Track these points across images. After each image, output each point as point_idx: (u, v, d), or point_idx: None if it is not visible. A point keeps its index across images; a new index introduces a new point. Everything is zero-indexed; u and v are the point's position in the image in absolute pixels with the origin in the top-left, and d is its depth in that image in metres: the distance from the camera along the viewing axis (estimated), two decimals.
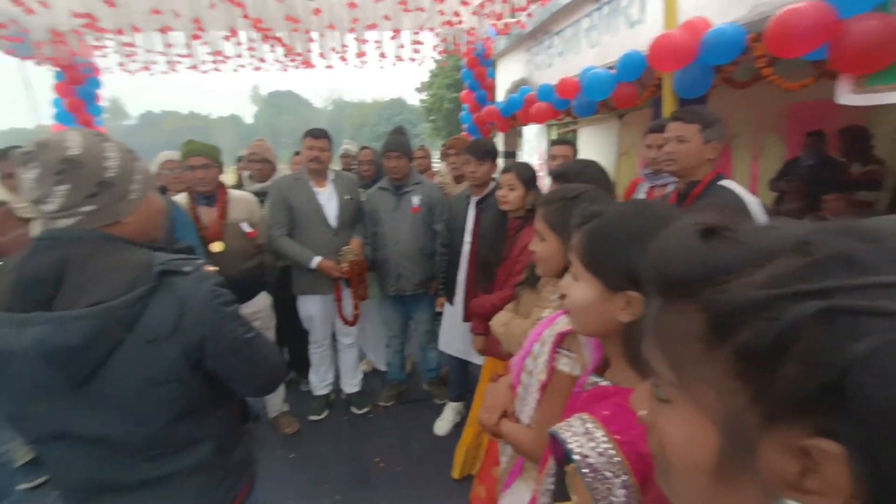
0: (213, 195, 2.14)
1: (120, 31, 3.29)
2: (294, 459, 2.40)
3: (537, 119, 4.16)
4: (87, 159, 0.79)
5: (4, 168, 1.92)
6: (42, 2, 2.59)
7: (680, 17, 2.48)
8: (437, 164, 4.28)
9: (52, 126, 4.53)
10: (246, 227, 2.20)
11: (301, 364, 2.82)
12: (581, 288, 0.71)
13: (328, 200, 2.44)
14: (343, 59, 4.60)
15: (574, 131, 6.71)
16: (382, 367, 3.11)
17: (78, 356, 0.73)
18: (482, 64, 5.25)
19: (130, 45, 3.97)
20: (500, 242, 1.94)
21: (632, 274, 0.64)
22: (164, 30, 3.46)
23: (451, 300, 2.47)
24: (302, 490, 2.18)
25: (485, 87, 5.40)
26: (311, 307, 2.54)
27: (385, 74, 48.20)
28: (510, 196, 1.86)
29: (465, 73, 5.34)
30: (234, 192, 2.27)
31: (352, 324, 2.63)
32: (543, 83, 4.04)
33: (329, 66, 4.67)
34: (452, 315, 2.46)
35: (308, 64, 4.72)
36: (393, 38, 4.34)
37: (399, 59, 4.77)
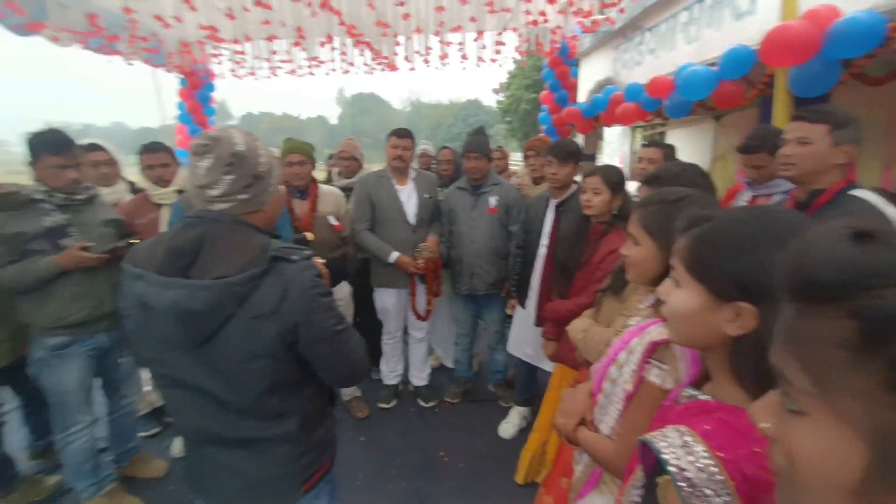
0: (306, 189, 2.32)
1: (235, 41, 3.69)
2: (364, 443, 2.53)
3: (623, 120, 3.96)
4: (248, 154, 0.92)
5: (145, 161, 2.25)
6: (177, 17, 2.99)
7: (800, 6, 2.22)
8: (515, 165, 4.24)
9: (175, 126, 5.22)
10: (332, 220, 2.36)
11: (373, 353, 2.96)
12: (683, 295, 0.67)
13: (408, 198, 2.53)
14: (426, 61, 4.73)
15: (662, 134, 6.28)
16: (450, 364, 3.16)
17: (200, 320, 0.85)
18: (565, 63, 5.11)
19: (241, 52, 4.44)
20: (580, 247, 1.88)
21: (744, 284, 0.60)
22: (270, 38, 3.82)
23: (523, 303, 2.44)
24: (370, 473, 2.29)
25: (566, 87, 5.24)
26: (386, 299, 2.66)
27: (462, 76, 48.80)
28: (594, 200, 1.79)
29: (547, 72, 5.23)
30: (324, 187, 2.43)
31: (424, 319, 2.70)
32: (631, 82, 3.84)
33: (412, 69, 4.84)
34: (524, 318, 2.43)
35: (392, 67, 4.93)
36: (476, 39, 4.39)
37: (481, 59, 4.80)
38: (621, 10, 4.69)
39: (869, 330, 0.28)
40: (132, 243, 1.88)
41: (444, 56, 4.63)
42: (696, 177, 1.31)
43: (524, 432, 2.50)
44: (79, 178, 1.77)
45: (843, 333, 0.29)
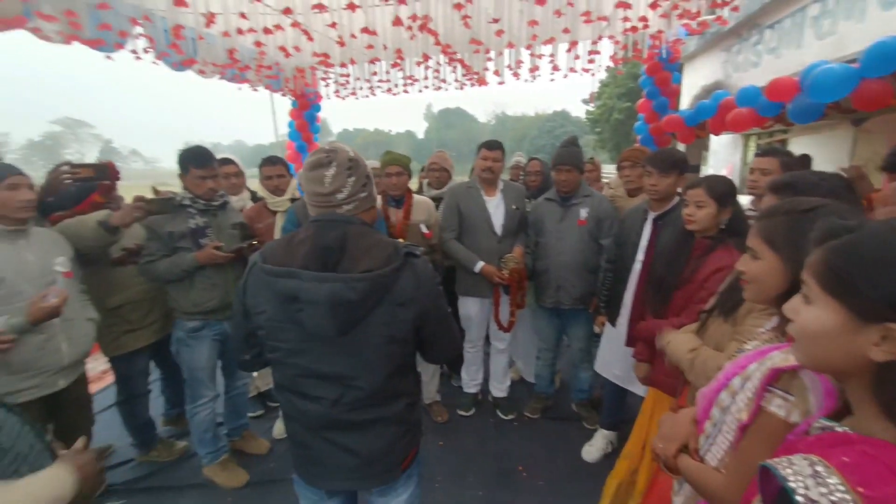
0: (402, 198, 2.46)
1: (342, 65, 4.07)
2: (443, 447, 2.57)
3: (735, 127, 3.59)
4: (359, 159, 1.07)
5: (264, 172, 2.57)
6: (296, 47, 3.39)
7: None
8: (607, 177, 4.06)
9: (286, 142, 5.87)
10: (424, 228, 2.47)
11: (455, 360, 3.01)
12: (816, 313, 0.60)
13: (496, 209, 2.55)
14: (516, 75, 4.75)
15: (783, 141, 5.56)
16: (530, 378, 3.10)
17: (353, 309, 0.98)
18: (666, 69, 4.77)
19: (346, 75, 4.87)
20: (681, 264, 1.74)
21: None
22: (372, 61, 4.14)
23: (613, 321, 2.31)
24: (448, 477, 2.32)
25: (667, 94, 4.89)
26: (470, 308, 2.70)
27: (548, 87, 47.87)
28: (698, 214, 1.65)
29: (645, 79, 4.93)
30: (417, 197, 2.56)
31: (506, 329, 2.69)
32: (746, 85, 3.47)
33: (501, 83, 4.89)
34: (613, 337, 2.30)
35: (482, 82, 5.03)
36: (569, 50, 4.30)
37: (572, 70, 4.69)
38: (735, 9, 4.28)
39: None
40: (253, 244, 2.16)
41: (534, 69, 4.61)
42: (838, 188, 1.14)
43: (609, 458, 2.35)
44: (216, 187, 2.09)
45: None
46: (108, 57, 3.37)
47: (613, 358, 2.32)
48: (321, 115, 5.96)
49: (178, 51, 3.47)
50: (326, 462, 1.11)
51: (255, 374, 3.01)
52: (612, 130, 20.48)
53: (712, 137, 7.62)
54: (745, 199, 2.04)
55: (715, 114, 4.01)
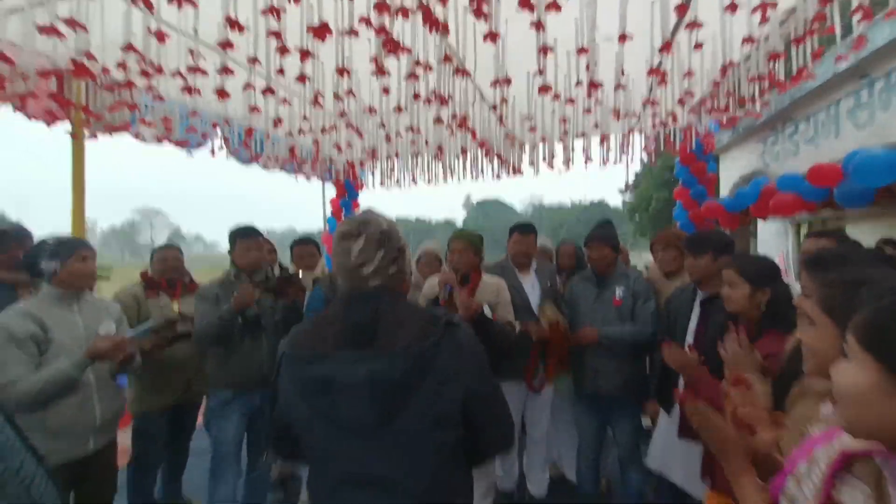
0: (468, 277, 2.23)
1: (389, 158, 4.48)
2: None
3: (778, 211, 3.52)
4: (392, 231, 1.01)
5: (296, 252, 2.80)
6: (348, 143, 3.81)
7: None
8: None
9: (323, 236, 6.30)
10: (487, 311, 2.15)
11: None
12: (854, 370, 0.57)
13: (532, 288, 2.54)
14: (550, 165, 5.01)
15: (839, 230, 5.31)
16: (572, 477, 2.77)
17: (395, 390, 0.87)
18: (701, 159, 4.88)
19: (392, 168, 5.33)
20: None
21: None
22: (415, 154, 4.53)
23: (668, 409, 2.10)
24: None
25: (703, 182, 4.93)
26: (504, 392, 2.54)
27: (585, 177, 49.49)
28: (733, 295, 1.60)
29: (679, 169, 5.04)
30: (487, 278, 2.35)
31: (538, 389, 2.46)
32: (786, 173, 3.46)
33: (536, 173, 5.15)
34: (669, 429, 2.07)
35: (518, 171, 5.33)
36: (601, 143, 4.54)
37: (605, 161, 4.90)
38: (765, 104, 4.44)
39: None
40: (290, 277, 2.28)
41: (567, 160, 4.86)
42: (864, 258, 1.07)
43: None
44: (260, 258, 2.28)
45: None
46: (191, 154, 3.93)
47: (670, 453, 2.06)
48: (365, 203, 6.44)
49: (247, 147, 3.98)
50: None
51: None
52: (652, 219, 20.47)
53: (760, 226, 7.43)
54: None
55: (757, 199, 3.97)
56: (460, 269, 2.28)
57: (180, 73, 2.06)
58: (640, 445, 2.36)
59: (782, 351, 1.45)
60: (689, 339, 1.98)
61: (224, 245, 2.36)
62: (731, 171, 6.73)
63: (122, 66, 2.09)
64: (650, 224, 20.59)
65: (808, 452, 0.75)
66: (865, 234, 4.76)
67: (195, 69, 2.05)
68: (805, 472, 0.73)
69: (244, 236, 2.24)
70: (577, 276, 2.62)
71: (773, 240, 7.22)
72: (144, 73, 2.10)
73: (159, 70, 2.07)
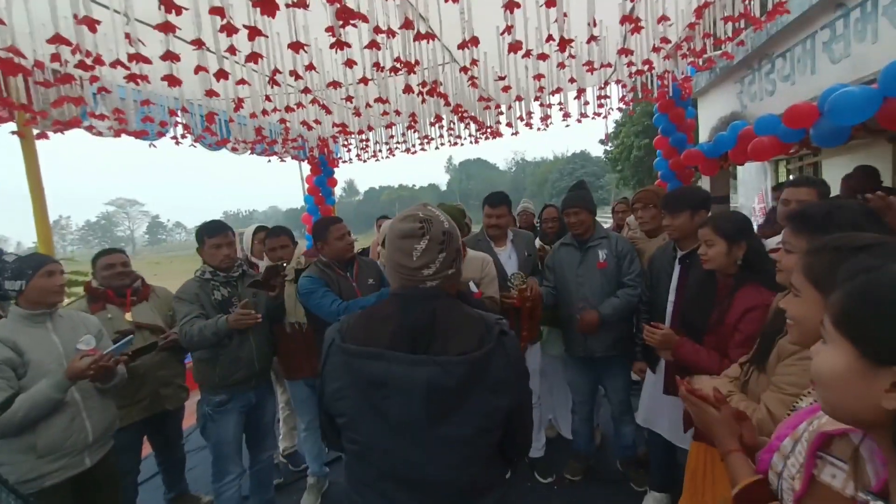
0: None
1: (360, 132, 4.31)
2: None
3: (758, 156, 3.50)
4: (454, 232, 0.96)
5: (269, 244, 2.62)
6: (317, 120, 3.64)
7: None
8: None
9: (303, 216, 6.16)
10: (473, 287, 2.19)
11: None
12: (830, 354, 0.57)
13: (508, 259, 2.52)
14: (528, 125, 4.89)
15: (814, 165, 5.36)
16: (568, 435, 2.89)
17: (449, 396, 0.86)
18: (679, 105, 4.80)
19: (366, 140, 5.15)
20: (707, 306, 1.65)
21: None
22: (389, 125, 4.37)
23: (653, 367, 2.17)
24: None
25: (683, 129, 4.89)
26: None
27: (566, 130, 49.02)
28: (710, 253, 1.62)
29: (658, 117, 4.96)
30: (471, 253, 2.31)
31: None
32: (764, 115, 3.42)
33: (515, 133, 5.04)
34: (655, 385, 2.14)
35: (496, 134, 5.21)
36: (577, 98, 4.42)
37: (584, 115, 4.79)
38: (740, 43, 4.33)
39: None
40: (281, 271, 2.20)
41: (545, 118, 4.75)
42: (857, 216, 1.04)
43: None
44: (231, 255, 2.15)
45: None
46: (152, 145, 3.72)
47: (658, 409, 2.14)
48: (346, 176, 6.31)
49: (211, 133, 3.78)
50: None
51: (280, 443, 2.96)
52: (633, 168, 20.46)
53: (740, 168, 7.47)
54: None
55: (735, 145, 3.94)
56: None
57: (121, 63, 1.89)
58: (632, 400, 2.45)
59: (760, 304, 1.48)
60: (671, 296, 2.01)
61: None
62: (710, 115, 6.67)
63: (55, 58, 1.92)
64: (632, 173, 20.61)
65: (793, 428, 0.76)
66: (841, 168, 4.80)
67: (136, 56, 1.88)
68: (790, 449, 0.75)
69: (212, 233, 2.11)
70: (558, 242, 2.61)
71: (753, 180, 7.29)
72: (82, 65, 1.93)
73: (98, 60, 1.90)
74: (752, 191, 7.22)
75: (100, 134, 3.47)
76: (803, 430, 0.74)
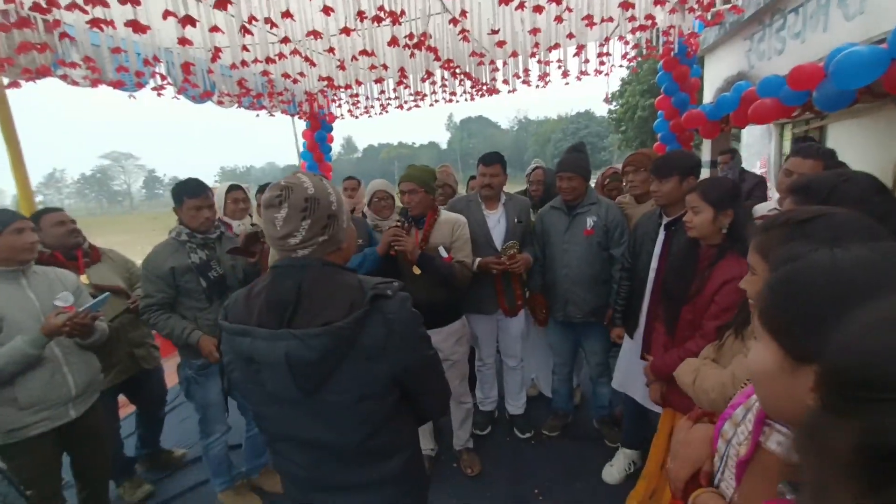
0: (422, 218, 2.19)
1: (348, 87, 4.14)
2: (456, 469, 2.49)
3: (758, 119, 3.39)
4: (320, 196, 0.91)
5: (258, 199, 2.63)
6: (301, 73, 3.48)
7: None
8: None
9: (301, 163, 6.03)
10: (443, 252, 2.16)
11: (469, 379, 2.92)
12: (758, 350, 0.55)
13: (496, 223, 2.47)
14: (526, 82, 4.69)
15: (820, 129, 5.20)
16: (548, 394, 2.98)
17: (314, 368, 0.86)
18: (684, 63, 4.58)
19: (356, 95, 4.96)
20: (688, 275, 1.62)
21: (824, 344, 0.46)
22: (378, 80, 4.18)
23: (630, 333, 2.19)
24: (461, 499, 2.24)
25: (686, 88, 4.69)
26: (476, 326, 2.63)
27: (571, 88, 47.28)
28: (695, 220, 1.57)
29: (662, 75, 4.75)
30: (444, 215, 2.25)
31: (513, 313, 2.52)
32: (771, 75, 3.27)
33: (512, 91, 4.84)
34: (632, 351, 2.18)
35: (493, 91, 5.00)
36: (576, 54, 4.21)
37: (584, 73, 4.59)
38: None
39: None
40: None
41: (544, 76, 4.54)
42: (862, 191, 0.98)
43: (630, 478, 2.22)
44: (211, 217, 2.05)
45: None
46: (132, 96, 3.57)
47: (632, 374, 2.19)
48: (344, 133, 6.14)
49: (192, 85, 3.63)
50: None
51: None
52: (637, 129, 19.93)
53: (744, 130, 7.26)
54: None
55: (737, 107, 3.81)
56: (412, 211, 2.19)
57: (77, 5, 1.76)
58: (611, 363, 2.50)
59: (739, 275, 1.46)
60: (654, 264, 2.00)
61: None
62: (716, 74, 6.40)
63: (8, 0, 1.79)
64: (635, 134, 20.10)
65: (747, 397, 0.77)
66: (849, 133, 4.66)
67: None
68: (741, 417, 0.76)
69: (192, 194, 1.99)
70: (547, 205, 2.56)
71: (757, 143, 7.12)
72: (37, 7, 1.80)
73: (52, 2, 1.77)
74: (754, 155, 7.07)
75: (76, 83, 3.32)
76: (755, 401, 0.74)
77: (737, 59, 5.61)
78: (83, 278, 2.12)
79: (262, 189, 2.67)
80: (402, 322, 0.91)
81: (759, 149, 7.05)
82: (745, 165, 7.93)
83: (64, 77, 3.18)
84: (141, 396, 2.52)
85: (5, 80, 2.89)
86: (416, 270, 2.10)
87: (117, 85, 3.33)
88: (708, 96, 6.67)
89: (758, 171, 7.08)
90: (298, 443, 0.96)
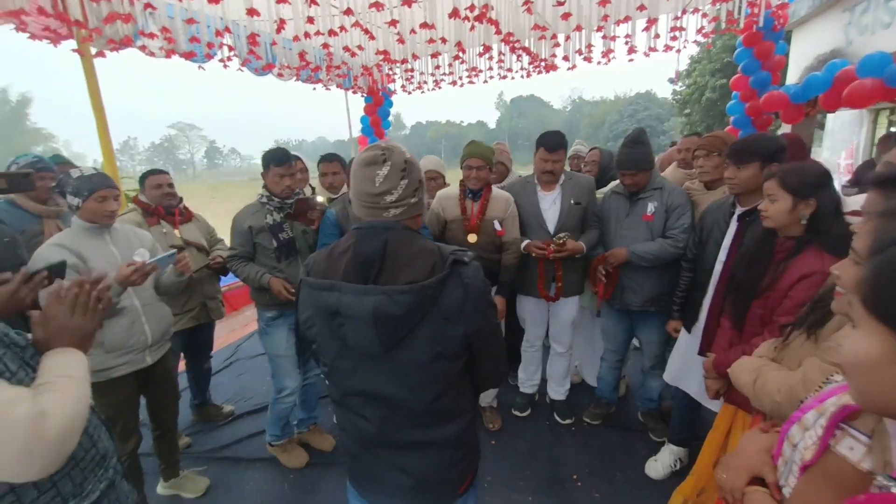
0: (480, 192, 2.35)
1: (404, 61, 4.11)
2: (494, 447, 2.52)
3: (854, 103, 3.04)
4: (414, 162, 0.99)
5: (321, 169, 2.73)
6: (360, 46, 3.49)
7: None
8: None
9: (358, 137, 6.12)
10: (497, 225, 2.33)
11: (512, 358, 2.92)
12: (861, 339, 0.50)
13: (550, 205, 2.40)
14: (587, 59, 4.45)
15: None
16: (592, 382, 2.92)
17: (397, 324, 0.90)
18: (768, 38, 4.14)
19: (410, 70, 4.93)
20: (761, 269, 1.50)
21: None
22: (434, 55, 4.12)
23: (688, 327, 2.08)
24: (498, 479, 2.27)
25: (769, 67, 4.25)
26: (525, 307, 2.60)
27: (630, 66, 44.35)
28: (770, 210, 1.44)
29: (741, 52, 4.33)
30: (496, 191, 2.39)
31: (552, 299, 2.48)
32: (875, 52, 2.90)
33: (572, 68, 4.61)
34: (688, 345, 2.07)
35: (551, 67, 4.79)
36: (646, 29, 3.92)
37: (652, 49, 4.28)
38: None
39: None
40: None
41: (607, 52, 4.27)
42: None
43: (676, 476, 2.14)
44: (293, 185, 2.25)
45: None
46: (201, 67, 3.74)
47: (688, 369, 2.09)
48: (394, 109, 6.13)
49: (256, 57, 3.74)
50: (378, 478, 1.07)
51: None
52: (704, 112, 18.54)
53: (830, 115, 6.57)
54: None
55: (829, 87, 3.43)
56: (474, 185, 2.29)
57: None
58: (666, 355, 2.40)
59: (819, 270, 1.33)
60: (722, 256, 1.87)
61: (258, 158, 2.32)
62: (805, 51, 5.77)
63: None
64: (701, 118, 18.73)
65: (820, 402, 0.71)
66: None
67: None
68: (812, 421, 0.70)
69: (278, 163, 2.18)
70: (609, 190, 2.46)
71: (845, 130, 6.41)
72: None
73: None
74: (839, 144, 6.39)
75: (152, 54, 3.52)
76: (831, 404, 0.68)
77: (832, 34, 5.01)
78: (177, 232, 2.45)
79: (323, 159, 2.79)
80: (477, 288, 0.95)
81: (846, 137, 6.36)
82: (826, 155, 7.21)
83: (143, 48, 3.38)
84: (193, 346, 2.74)
85: (93, 50, 3.11)
86: (472, 238, 2.26)
87: (189, 56, 3.50)
88: (792, 76, 6.06)
89: (843, 161, 6.40)
90: (371, 398, 1.00)
